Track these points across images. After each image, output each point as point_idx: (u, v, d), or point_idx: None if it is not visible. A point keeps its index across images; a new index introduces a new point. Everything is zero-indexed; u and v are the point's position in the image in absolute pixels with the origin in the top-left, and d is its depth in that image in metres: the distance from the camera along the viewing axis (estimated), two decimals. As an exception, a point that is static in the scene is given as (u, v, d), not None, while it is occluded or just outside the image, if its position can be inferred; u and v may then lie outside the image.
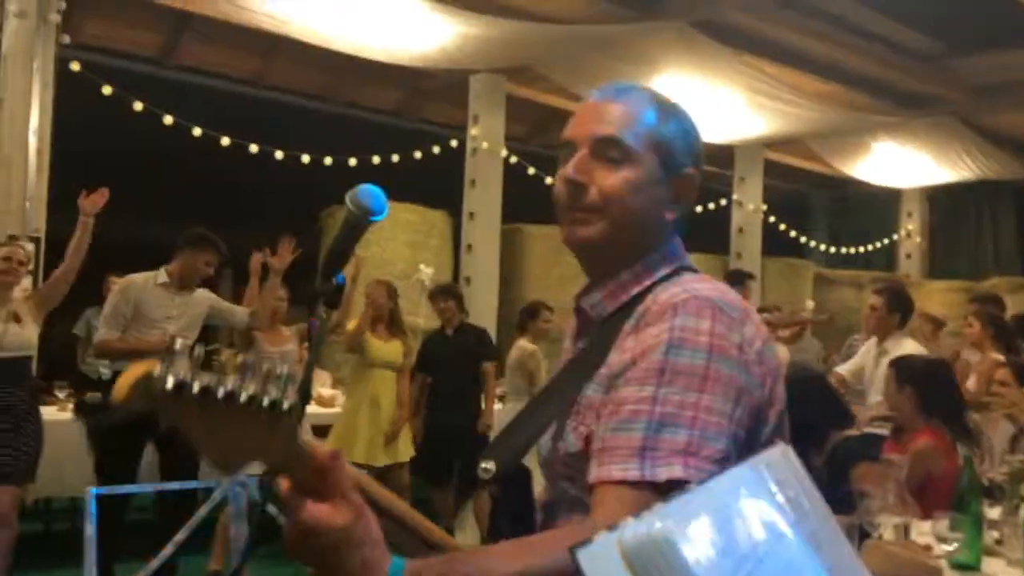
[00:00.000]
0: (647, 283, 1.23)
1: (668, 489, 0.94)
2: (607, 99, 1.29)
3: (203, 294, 4.88)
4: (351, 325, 5.42)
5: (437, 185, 8.73)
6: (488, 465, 1.21)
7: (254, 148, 7.79)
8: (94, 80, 6.79)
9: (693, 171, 1.30)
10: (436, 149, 8.92)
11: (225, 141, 7.56)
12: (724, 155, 10.90)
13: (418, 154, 8.78)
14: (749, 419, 1.09)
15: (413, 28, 6.85)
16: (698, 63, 7.66)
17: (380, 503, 0.95)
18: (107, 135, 7.36)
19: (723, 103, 8.35)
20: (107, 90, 6.83)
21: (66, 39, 6.62)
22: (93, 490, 2.93)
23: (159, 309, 4.61)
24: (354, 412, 5.29)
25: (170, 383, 0.71)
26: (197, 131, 7.42)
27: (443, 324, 5.80)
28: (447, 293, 5.92)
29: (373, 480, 0.98)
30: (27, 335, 4.14)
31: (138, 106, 6.96)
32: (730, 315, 1.13)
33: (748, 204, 11.12)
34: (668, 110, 1.30)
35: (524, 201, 8.62)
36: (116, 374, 4.61)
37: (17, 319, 4.12)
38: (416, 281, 7.93)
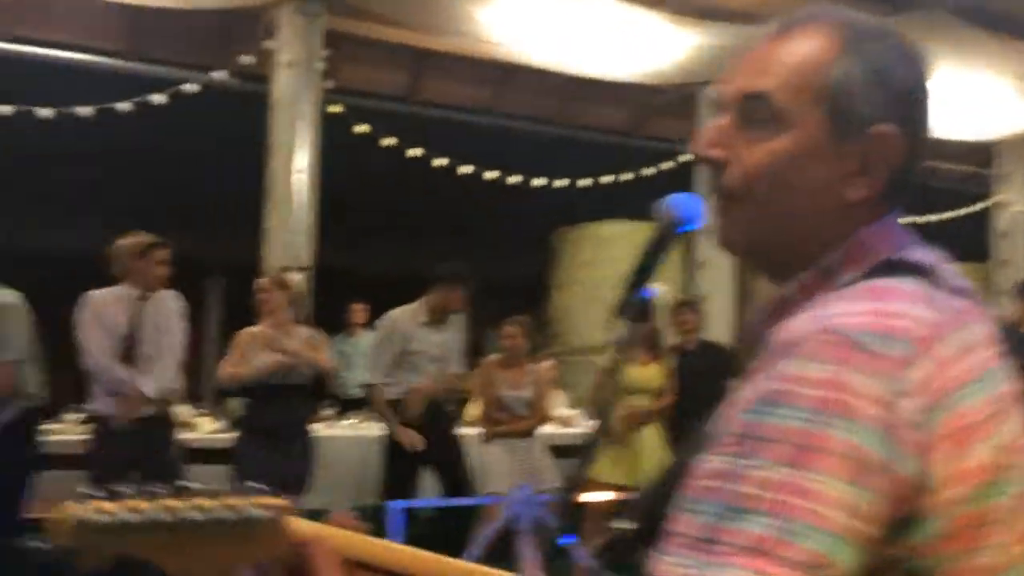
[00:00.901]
0: (816, 296, 0.85)
1: None
2: (770, 38, 0.91)
3: (454, 330, 4.98)
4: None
5: (670, 202, 8.62)
6: (625, 524, 0.98)
7: (490, 175, 8.08)
8: (349, 120, 7.34)
9: (888, 128, 0.87)
10: (667, 165, 8.82)
11: (464, 169, 7.90)
12: (980, 152, 9.98)
13: (649, 171, 8.72)
14: (888, 509, 0.73)
15: (646, 44, 6.84)
16: (956, 51, 7.06)
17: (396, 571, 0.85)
18: (363, 172, 7.92)
19: (984, 93, 7.65)
20: (363, 128, 7.35)
21: (330, 84, 7.20)
22: (396, 503, 3.09)
23: (421, 348, 4.79)
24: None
25: (90, 522, 0.64)
26: (438, 161, 7.81)
27: (683, 340, 5.63)
28: (690, 307, 5.73)
29: (383, 546, 0.87)
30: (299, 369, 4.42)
31: (389, 141, 7.43)
32: (879, 354, 0.74)
33: (1015, 205, 10.06)
34: (856, 41, 0.88)
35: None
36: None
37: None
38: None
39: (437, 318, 4.85)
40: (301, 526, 0.77)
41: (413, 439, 4.59)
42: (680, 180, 8.88)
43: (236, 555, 0.73)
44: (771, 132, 0.88)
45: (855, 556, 0.71)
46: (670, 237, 1.38)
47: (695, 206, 1.40)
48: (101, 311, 4.17)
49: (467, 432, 5.30)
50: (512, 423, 4.90)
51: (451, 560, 0.86)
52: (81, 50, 7.72)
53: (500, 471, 4.74)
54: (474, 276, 4.89)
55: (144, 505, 0.68)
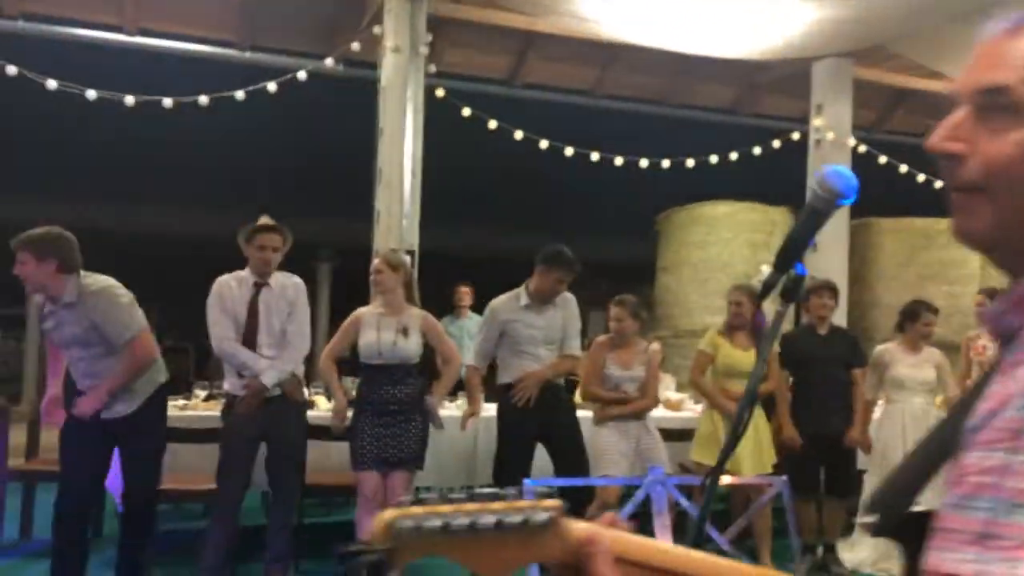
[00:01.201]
0: None
1: None
2: (1004, 34, 0.92)
3: (559, 310, 4.93)
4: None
5: (778, 181, 8.39)
6: (871, 519, 0.99)
7: (595, 156, 8.02)
8: (454, 104, 7.38)
9: None
10: (776, 143, 8.57)
11: (569, 151, 7.85)
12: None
13: (757, 150, 8.50)
14: None
15: (757, 20, 6.63)
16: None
17: (670, 571, 0.85)
18: (466, 154, 7.97)
19: None
20: (466, 112, 7.39)
21: (432, 68, 7.26)
22: (530, 481, 3.11)
23: (525, 331, 4.78)
24: (712, 420, 5.11)
25: (403, 525, 0.73)
26: (543, 144, 7.79)
27: (816, 323, 5.37)
28: (830, 289, 5.44)
29: (669, 548, 0.87)
30: (410, 347, 4.49)
31: (492, 124, 7.44)
32: None
33: None
34: None
35: (874, 193, 7.99)
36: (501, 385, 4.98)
37: (405, 333, 4.48)
38: (758, 282, 7.65)
39: (541, 301, 4.82)
40: (577, 526, 0.81)
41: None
42: (789, 158, 8.63)
43: (521, 555, 0.78)
44: (1012, 124, 0.89)
45: None
46: (828, 211, 1.32)
47: (851, 179, 1.33)
48: (224, 294, 4.32)
49: (579, 414, 5.29)
50: (623, 405, 4.85)
51: (723, 560, 0.88)
52: (198, 41, 8.02)
53: (612, 453, 4.70)
54: (577, 258, 4.82)
55: (445, 509, 0.75)
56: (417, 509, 0.74)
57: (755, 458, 4.83)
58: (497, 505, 0.77)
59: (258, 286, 4.34)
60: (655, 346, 5.21)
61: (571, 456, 4.65)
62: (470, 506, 0.76)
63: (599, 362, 4.92)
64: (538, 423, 4.68)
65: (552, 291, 4.78)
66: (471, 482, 5.13)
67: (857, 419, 5.17)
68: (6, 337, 15.35)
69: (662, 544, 0.86)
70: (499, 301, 4.93)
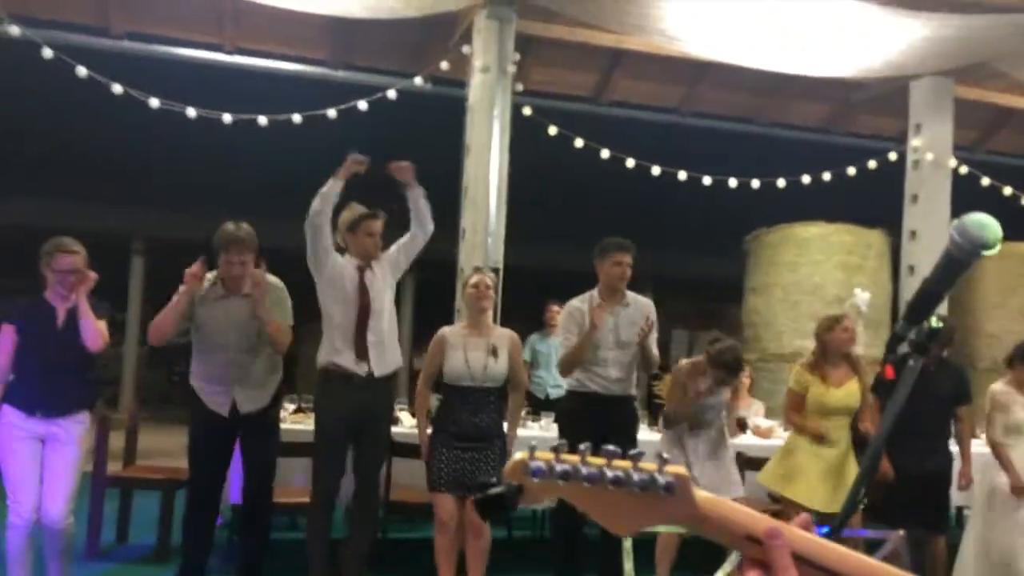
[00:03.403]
0: None
1: None
2: None
3: (631, 310, 4.85)
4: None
5: (873, 202, 8.12)
6: None
7: (683, 175, 7.91)
8: (541, 122, 7.38)
9: None
10: (872, 164, 8.30)
11: (656, 170, 7.76)
12: None
13: (851, 170, 8.25)
14: None
15: (852, 38, 6.45)
16: None
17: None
18: (553, 172, 7.95)
19: None
20: (553, 130, 7.38)
21: (519, 87, 7.27)
22: None
23: (603, 328, 4.70)
24: (798, 450, 4.92)
25: (533, 468, 0.79)
26: (630, 162, 7.71)
27: (928, 361, 5.14)
28: (946, 324, 5.15)
29: (837, 549, 0.87)
30: (500, 369, 4.45)
31: (579, 143, 7.41)
32: None
33: None
34: None
35: (976, 216, 7.68)
36: (569, 392, 4.91)
37: (495, 353, 4.44)
38: (851, 306, 7.39)
39: (612, 293, 4.75)
40: (707, 498, 0.85)
41: None
42: (885, 179, 8.35)
43: (644, 514, 0.83)
44: None
45: None
46: (968, 261, 1.25)
47: (996, 228, 1.25)
48: (335, 277, 4.44)
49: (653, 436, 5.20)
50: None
51: (898, 571, 0.89)
52: (293, 60, 8.22)
53: None
54: (628, 244, 4.74)
55: (574, 459, 0.80)
56: (548, 455, 0.80)
57: (832, 494, 4.65)
58: (625, 464, 0.81)
59: (360, 271, 4.45)
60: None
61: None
62: (597, 460, 0.80)
63: (686, 387, 4.81)
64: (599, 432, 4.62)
65: (618, 276, 4.73)
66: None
67: (965, 457, 4.98)
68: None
69: (839, 548, 0.88)
70: (574, 301, 4.90)
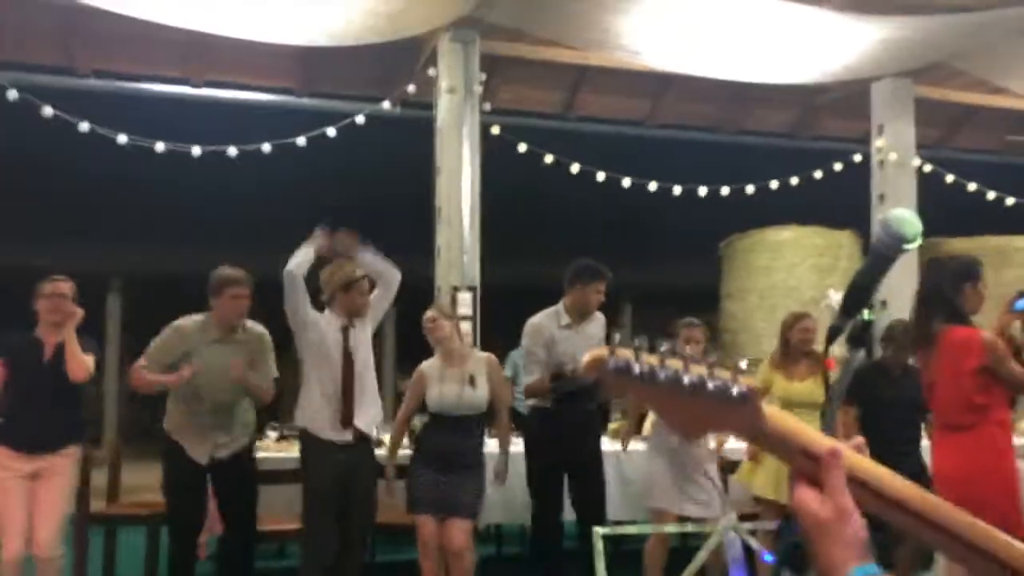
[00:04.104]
0: None
1: None
2: None
3: (595, 327, 4.91)
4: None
5: (841, 204, 8.24)
6: None
7: (653, 186, 7.99)
8: (510, 140, 7.45)
9: None
10: (838, 166, 8.43)
11: (626, 182, 7.85)
12: None
13: (818, 173, 8.38)
14: None
15: (811, 44, 6.57)
16: None
17: (896, 502, 0.87)
18: (524, 189, 8.02)
19: None
20: (522, 147, 7.45)
21: (487, 106, 7.34)
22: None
23: (567, 350, 4.72)
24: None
25: (612, 364, 0.79)
26: (600, 176, 7.80)
27: (890, 365, 5.15)
28: (904, 327, 5.18)
29: (895, 477, 0.88)
30: (479, 397, 4.45)
31: (548, 159, 7.49)
32: None
33: None
34: None
35: (941, 213, 7.80)
36: (533, 409, 4.93)
37: (472, 383, 4.45)
38: (826, 307, 7.49)
39: (581, 317, 4.77)
40: (775, 413, 0.85)
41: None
42: (852, 180, 8.48)
43: (713, 420, 0.83)
44: None
45: None
46: (893, 256, 1.30)
47: (916, 224, 1.31)
48: (317, 342, 4.39)
49: (638, 446, 5.24)
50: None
51: (944, 503, 0.89)
52: (259, 90, 8.25)
53: (664, 485, 4.60)
54: (609, 274, 4.78)
55: (652, 360, 0.80)
56: (628, 352, 0.80)
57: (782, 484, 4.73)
58: (700, 369, 0.80)
59: (346, 329, 4.40)
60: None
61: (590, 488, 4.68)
62: (675, 362, 0.80)
63: None
64: (565, 449, 4.67)
65: (595, 304, 4.76)
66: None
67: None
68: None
69: (892, 475, 0.88)
70: (539, 318, 4.87)
